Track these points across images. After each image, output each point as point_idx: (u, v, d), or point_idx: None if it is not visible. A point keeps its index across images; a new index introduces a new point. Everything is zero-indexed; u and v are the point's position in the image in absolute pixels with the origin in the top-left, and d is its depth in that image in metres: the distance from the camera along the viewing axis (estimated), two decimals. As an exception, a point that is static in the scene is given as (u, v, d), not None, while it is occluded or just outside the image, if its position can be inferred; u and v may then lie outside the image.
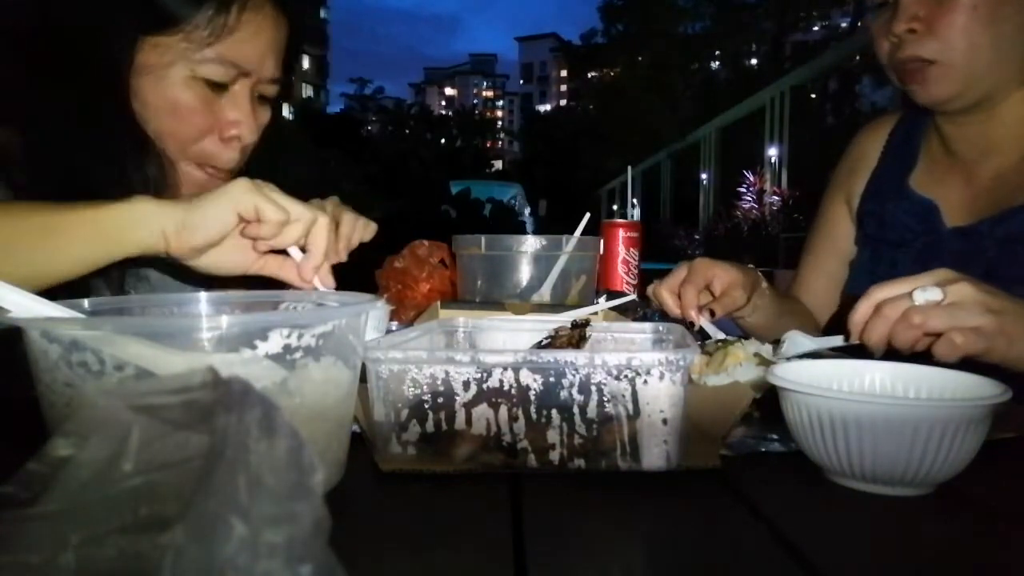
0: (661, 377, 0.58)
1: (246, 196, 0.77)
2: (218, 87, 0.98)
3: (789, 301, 1.31)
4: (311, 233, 0.81)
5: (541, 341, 0.76)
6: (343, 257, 1.00)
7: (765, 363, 0.78)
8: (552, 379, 0.59)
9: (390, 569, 0.46)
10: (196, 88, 0.97)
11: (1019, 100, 1.06)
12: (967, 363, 0.75)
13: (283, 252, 0.84)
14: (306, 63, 57.92)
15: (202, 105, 0.98)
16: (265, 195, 0.78)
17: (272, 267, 0.84)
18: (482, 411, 0.60)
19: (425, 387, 0.60)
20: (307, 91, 58.06)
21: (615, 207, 9.23)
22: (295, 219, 0.80)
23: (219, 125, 1.00)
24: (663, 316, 1.07)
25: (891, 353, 0.74)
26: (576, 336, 0.75)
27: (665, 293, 1.09)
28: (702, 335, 1.02)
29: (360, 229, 1.02)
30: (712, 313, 1.07)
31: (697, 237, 8.97)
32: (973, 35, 1.00)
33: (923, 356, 0.73)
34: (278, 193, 0.80)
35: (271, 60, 1.01)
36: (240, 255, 0.82)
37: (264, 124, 1.08)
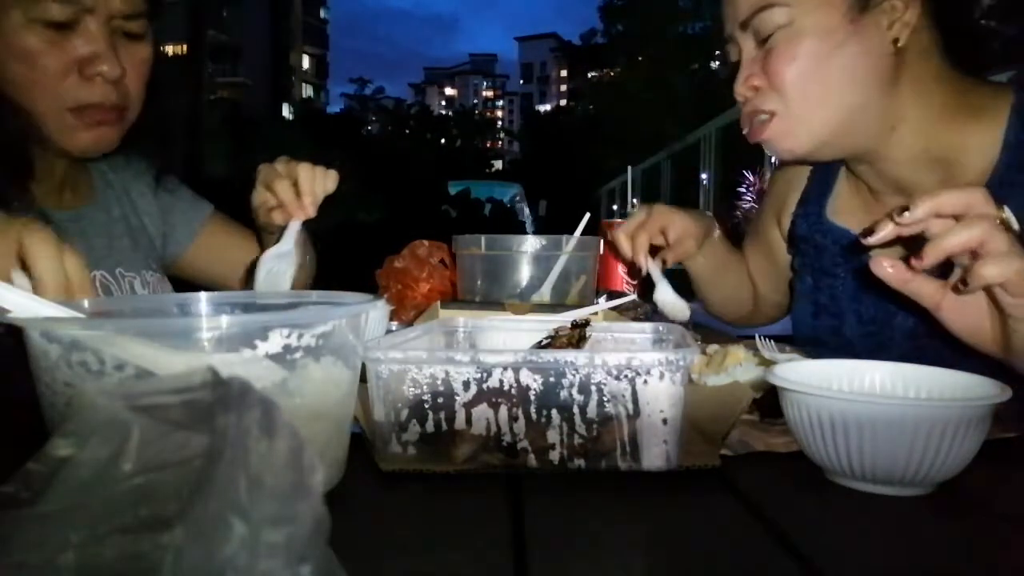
0: (661, 377, 0.58)
1: None
2: (63, 26, 0.95)
3: (739, 254, 1.33)
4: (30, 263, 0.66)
5: (541, 341, 0.76)
6: (311, 212, 0.97)
7: (765, 363, 0.78)
8: (552, 379, 0.59)
9: (390, 569, 0.46)
10: (37, 31, 0.94)
11: (902, 142, 0.97)
12: (966, 363, 0.74)
13: None
14: (306, 63, 57.92)
15: (49, 47, 0.95)
16: None
17: None
18: (482, 411, 0.60)
19: (425, 387, 0.60)
20: (307, 91, 58.06)
21: (615, 207, 9.23)
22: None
23: (76, 64, 0.97)
24: (661, 316, 1.07)
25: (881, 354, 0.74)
26: (576, 336, 0.75)
27: (622, 236, 1.12)
28: (648, 284, 1.09)
29: (322, 180, 0.98)
30: (664, 262, 1.11)
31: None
32: (802, 86, 0.94)
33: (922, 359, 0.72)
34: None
35: None
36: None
37: (143, 61, 1.04)
